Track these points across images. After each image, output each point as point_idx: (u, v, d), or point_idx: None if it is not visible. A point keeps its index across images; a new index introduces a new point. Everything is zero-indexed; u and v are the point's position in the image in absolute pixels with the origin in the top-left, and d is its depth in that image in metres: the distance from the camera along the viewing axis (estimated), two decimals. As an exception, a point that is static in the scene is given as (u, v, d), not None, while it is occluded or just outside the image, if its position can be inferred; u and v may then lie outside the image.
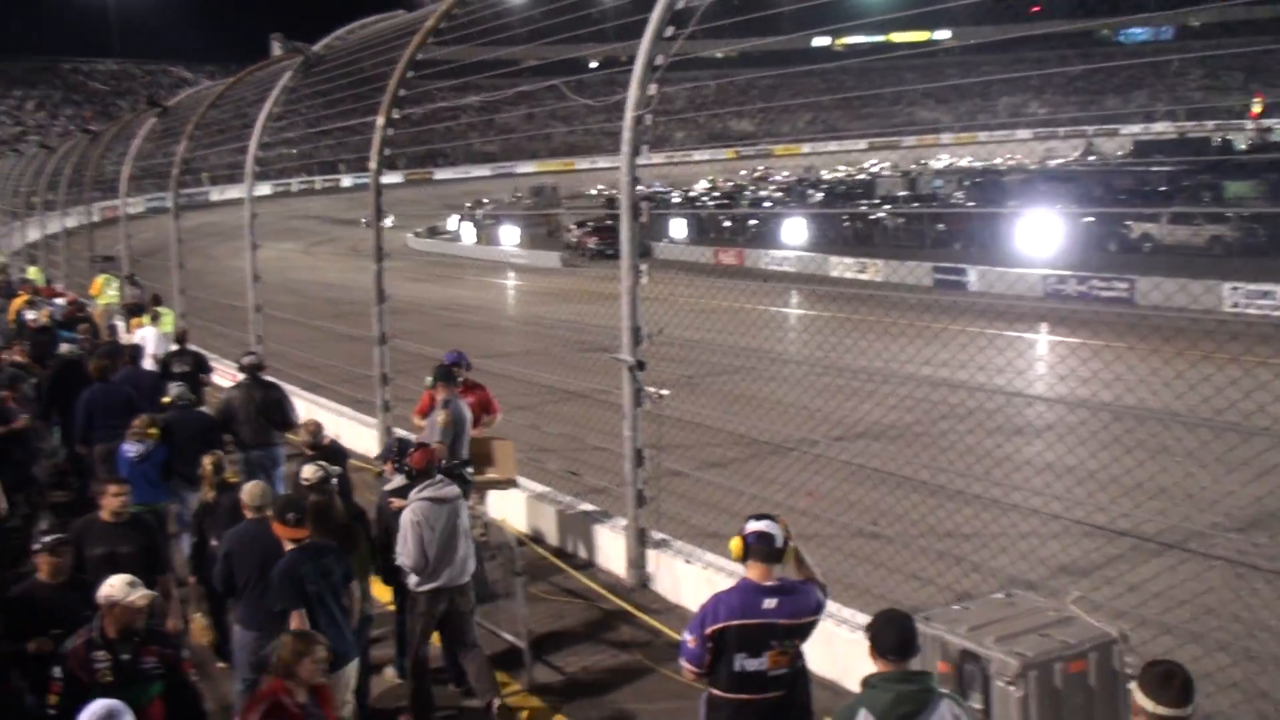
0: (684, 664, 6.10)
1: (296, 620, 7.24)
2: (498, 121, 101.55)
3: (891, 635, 5.19)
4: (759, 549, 5.98)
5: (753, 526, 6.02)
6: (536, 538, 12.08)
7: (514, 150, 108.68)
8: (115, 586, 6.41)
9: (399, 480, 8.88)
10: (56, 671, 6.39)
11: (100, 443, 13.02)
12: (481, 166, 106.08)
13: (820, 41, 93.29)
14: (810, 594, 6.09)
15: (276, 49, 18.79)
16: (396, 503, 8.69)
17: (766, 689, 5.96)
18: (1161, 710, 4.49)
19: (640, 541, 10.66)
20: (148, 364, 16.78)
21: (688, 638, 6.03)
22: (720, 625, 5.91)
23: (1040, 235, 35.25)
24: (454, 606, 8.47)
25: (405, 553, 8.25)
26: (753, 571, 6.03)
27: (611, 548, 11.11)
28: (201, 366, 15.56)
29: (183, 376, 14.42)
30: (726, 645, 5.91)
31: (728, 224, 52.38)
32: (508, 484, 11.78)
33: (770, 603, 5.92)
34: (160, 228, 25.18)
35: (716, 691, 6.03)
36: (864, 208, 48.76)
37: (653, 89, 9.90)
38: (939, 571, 9.31)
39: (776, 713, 6.01)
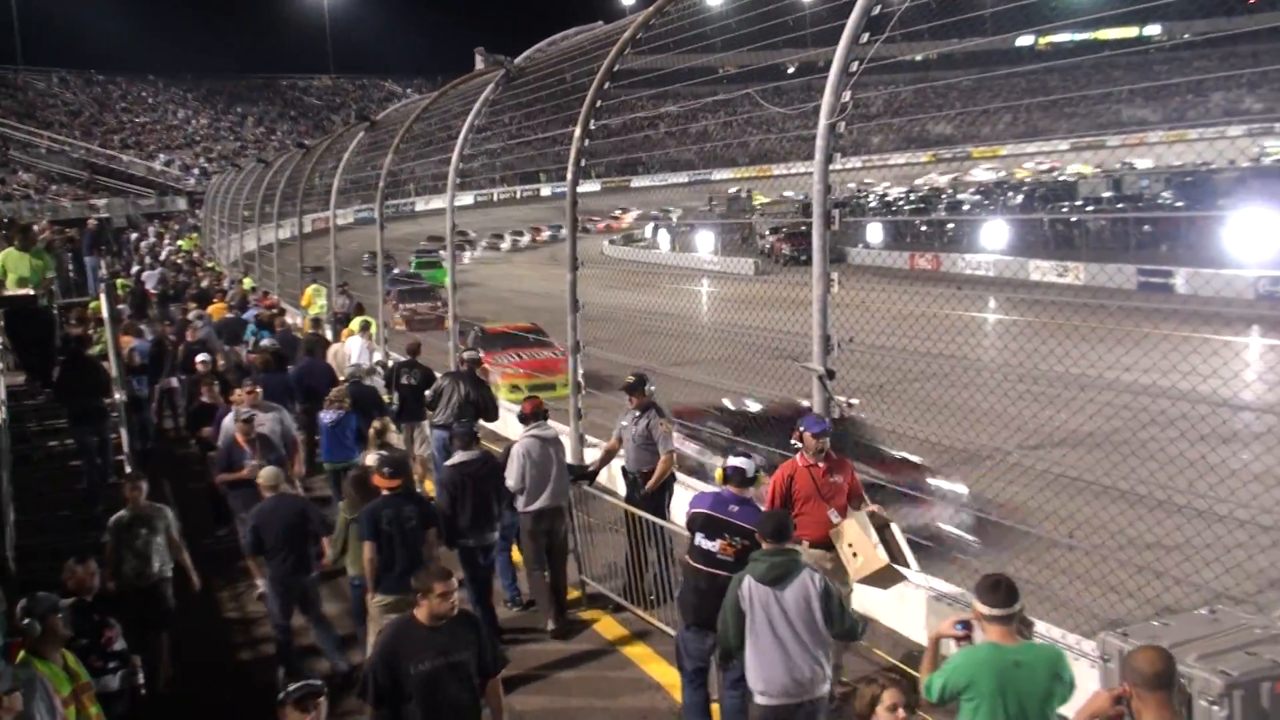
0: None
1: (368, 550, 9.17)
2: (694, 129, 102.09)
3: (770, 524, 7.13)
4: (735, 478, 8.12)
5: (731, 462, 8.20)
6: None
7: (711, 157, 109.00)
8: None
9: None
10: None
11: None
12: (679, 174, 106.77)
13: (1023, 41, 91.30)
14: (759, 512, 7.93)
15: (479, 62, 19.34)
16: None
17: (713, 566, 7.91)
18: (995, 611, 5.60)
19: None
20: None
21: None
22: (694, 510, 8.22)
23: (1253, 236, 33.57)
24: (552, 525, 10.94)
25: (511, 474, 10.74)
26: (731, 486, 8.13)
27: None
28: (429, 381, 15.59)
29: (410, 389, 15.47)
30: (696, 526, 8.12)
31: (924, 228, 51.75)
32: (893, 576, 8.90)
33: (734, 508, 8.03)
34: (367, 238, 25.94)
35: (687, 559, 8.22)
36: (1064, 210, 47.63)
37: (847, 95, 9.86)
38: (1139, 585, 9.02)
39: (721, 589, 7.42)
